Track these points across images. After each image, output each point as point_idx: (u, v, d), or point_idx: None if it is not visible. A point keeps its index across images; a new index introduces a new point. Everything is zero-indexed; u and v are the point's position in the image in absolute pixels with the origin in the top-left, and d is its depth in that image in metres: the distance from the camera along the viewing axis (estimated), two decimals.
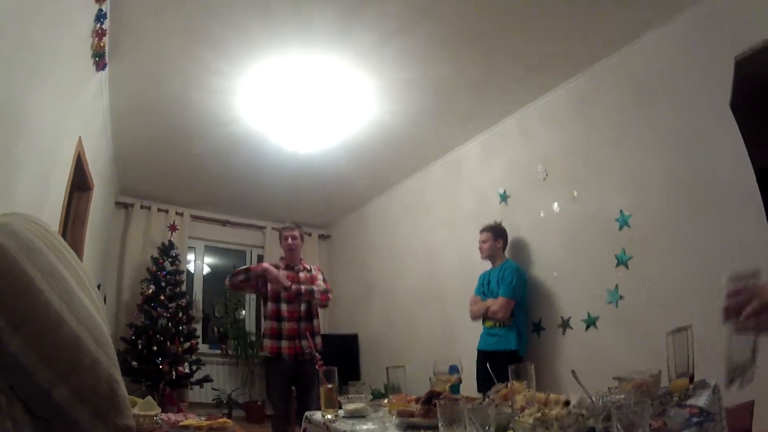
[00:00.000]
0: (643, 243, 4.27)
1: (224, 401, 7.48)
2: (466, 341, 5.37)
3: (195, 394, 7.19)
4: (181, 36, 4.24)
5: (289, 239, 4.79)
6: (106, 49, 3.86)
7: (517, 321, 4.73)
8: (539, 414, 1.61)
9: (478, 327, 5.06)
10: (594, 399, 1.81)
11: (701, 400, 1.76)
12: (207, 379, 7.06)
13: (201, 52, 4.45)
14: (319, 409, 2.69)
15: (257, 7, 3.94)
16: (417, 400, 2.33)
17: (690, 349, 1.90)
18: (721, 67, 3.81)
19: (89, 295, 1.48)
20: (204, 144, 6.14)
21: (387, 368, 2.71)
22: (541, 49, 4.59)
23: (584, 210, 4.78)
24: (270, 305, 4.67)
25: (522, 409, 1.77)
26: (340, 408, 2.63)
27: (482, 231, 5.17)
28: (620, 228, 4.44)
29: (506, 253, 5.23)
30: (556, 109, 5.22)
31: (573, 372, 2.12)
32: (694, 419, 1.55)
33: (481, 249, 5.15)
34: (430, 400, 2.19)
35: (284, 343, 4.55)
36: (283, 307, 4.61)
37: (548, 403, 1.78)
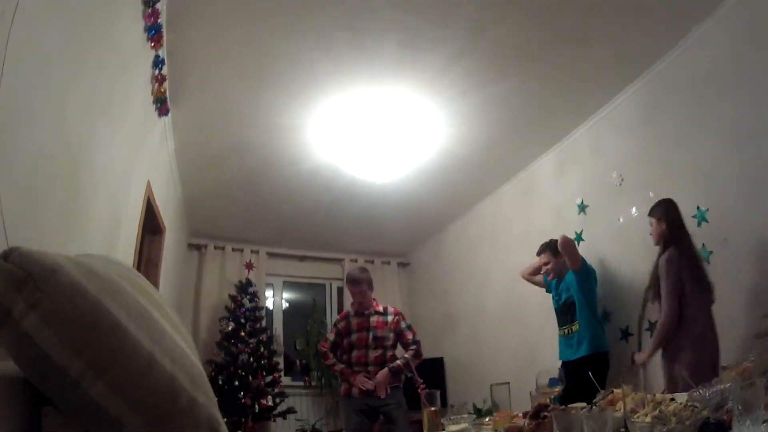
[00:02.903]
0: (722, 237, 4.10)
1: (308, 431, 7.45)
2: (550, 358, 5.25)
3: (278, 426, 7.19)
4: (243, 78, 4.36)
5: (356, 295, 4.87)
6: (168, 94, 3.94)
7: (587, 323, 4.62)
8: (656, 412, 1.60)
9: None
10: (701, 392, 1.78)
11: None
12: (291, 410, 7.07)
13: (265, 92, 4.54)
14: None
15: (319, 44, 4.02)
16: (524, 415, 2.30)
17: None
18: None
19: (180, 333, 1.41)
20: (275, 182, 6.23)
21: (491, 385, 2.64)
22: (600, 56, 4.51)
23: None
24: (345, 356, 4.86)
25: (633, 412, 1.73)
26: (443, 430, 2.60)
27: (540, 252, 5.07)
28: (698, 224, 4.26)
29: (591, 262, 5.11)
30: (623, 115, 5.13)
31: (683, 373, 2.08)
32: None
33: (546, 272, 5.02)
34: (538, 413, 2.16)
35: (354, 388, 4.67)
36: (354, 353, 4.76)
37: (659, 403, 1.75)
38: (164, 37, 3.48)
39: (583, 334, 4.57)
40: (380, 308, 4.94)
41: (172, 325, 1.39)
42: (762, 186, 3.82)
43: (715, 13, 4.11)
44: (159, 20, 3.24)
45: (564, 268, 4.86)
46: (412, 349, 4.84)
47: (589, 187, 5.55)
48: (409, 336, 4.90)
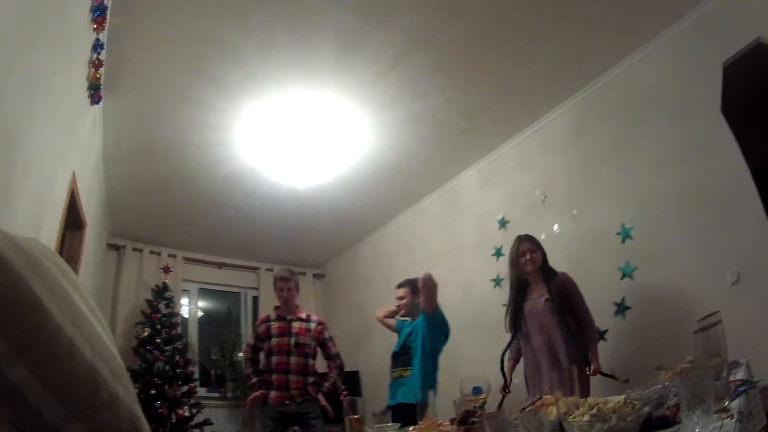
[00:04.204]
0: (647, 253, 4.33)
1: None
2: (470, 368, 5.31)
3: None
4: (180, 72, 4.24)
5: (284, 291, 4.80)
6: (102, 81, 3.79)
7: (420, 373, 4.31)
8: (594, 410, 1.57)
9: (484, 356, 5.06)
10: (638, 391, 1.85)
11: (739, 374, 1.87)
12: (207, 422, 6.82)
13: (199, 88, 4.45)
14: None
15: (260, 41, 3.97)
16: (451, 422, 2.26)
17: (721, 332, 1.87)
18: (711, 77, 3.95)
19: (99, 321, 1.30)
20: (198, 183, 6.08)
21: (414, 393, 2.63)
22: (534, 75, 4.68)
23: (585, 227, 4.82)
24: (264, 361, 4.78)
25: (565, 414, 1.70)
26: None
27: (399, 286, 4.84)
28: (623, 241, 4.51)
29: (507, 278, 5.17)
30: (552, 132, 5.32)
31: (612, 371, 2.11)
32: (740, 389, 1.62)
33: (398, 306, 4.78)
34: (466, 419, 2.13)
35: (272, 393, 4.59)
36: (273, 359, 4.67)
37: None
38: (107, 20, 3.34)
39: (413, 383, 4.23)
40: (303, 315, 4.88)
41: (92, 311, 1.29)
42: (687, 204, 4.08)
43: (654, 40, 4.37)
44: (105, 1, 3.11)
45: (418, 311, 4.59)
46: (336, 365, 4.84)
47: (511, 203, 5.71)
48: (332, 348, 4.89)
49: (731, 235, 3.78)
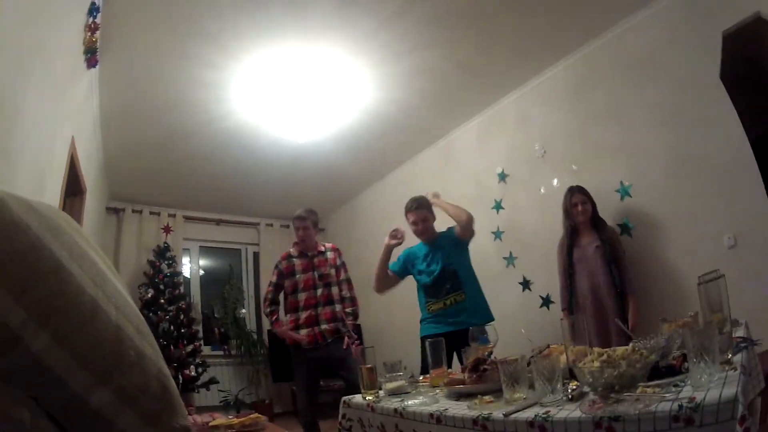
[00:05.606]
0: (645, 212, 4.41)
1: (231, 402, 7.37)
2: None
3: (201, 397, 7.04)
4: (174, 30, 4.15)
5: (300, 230, 4.80)
6: (98, 44, 3.73)
7: (477, 293, 4.24)
8: (604, 357, 1.61)
9: None
10: (643, 342, 1.87)
11: (739, 332, 1.98)
12: (213, 381, 6.96)
13: (194, 45, 4.36)
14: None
15: None
16: (463, 370, 2.28)
17: (723, 286, 1.89)
18: (712, 43, 3.95)
19: (119, 279, 1.26)
20: (196, 141, 6.03)
21: (426, 341, 2.66)
22: (535, 30, 4.63)
23: (585, 184, 4.75)
24: (289, 299, 4.70)
25: (575, 362, 1.73)
26: (380, 389, 2.57)
27: (415, 209, 4.38)
28: (622, 198, 4.56)
29: (507, 230, 5.33)
30: (552, 88, 5.30)
31: (617, 321, 2.16)
32: (742, 344, 1.71)
33: (419, 231, 4.37)
34: (477, 366, 2.15)
35: (302, 332, 4.52)
36: (301, 296, 4.63)
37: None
38: None
39: (474, 304, 4.11)
40: (321, 248, 4.91)
41: (110, 269, 1.25)
42: (683, 165, 4.13)
43: (655, 4, 4.35)
44: None
45: (434, 234, 4.40)
46: (349, 311, 4.78)
47: (510, 157, 5.72)
48: (343, 274, 4.90)
49: (726, 198, 3.87)
